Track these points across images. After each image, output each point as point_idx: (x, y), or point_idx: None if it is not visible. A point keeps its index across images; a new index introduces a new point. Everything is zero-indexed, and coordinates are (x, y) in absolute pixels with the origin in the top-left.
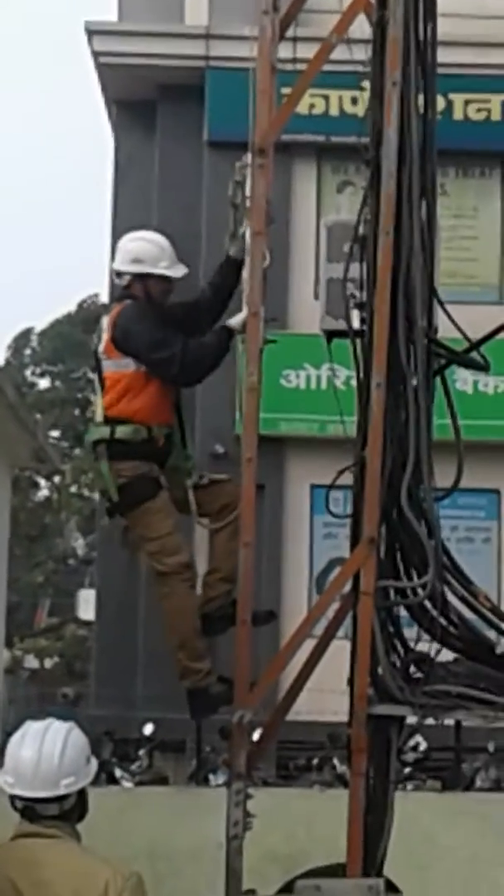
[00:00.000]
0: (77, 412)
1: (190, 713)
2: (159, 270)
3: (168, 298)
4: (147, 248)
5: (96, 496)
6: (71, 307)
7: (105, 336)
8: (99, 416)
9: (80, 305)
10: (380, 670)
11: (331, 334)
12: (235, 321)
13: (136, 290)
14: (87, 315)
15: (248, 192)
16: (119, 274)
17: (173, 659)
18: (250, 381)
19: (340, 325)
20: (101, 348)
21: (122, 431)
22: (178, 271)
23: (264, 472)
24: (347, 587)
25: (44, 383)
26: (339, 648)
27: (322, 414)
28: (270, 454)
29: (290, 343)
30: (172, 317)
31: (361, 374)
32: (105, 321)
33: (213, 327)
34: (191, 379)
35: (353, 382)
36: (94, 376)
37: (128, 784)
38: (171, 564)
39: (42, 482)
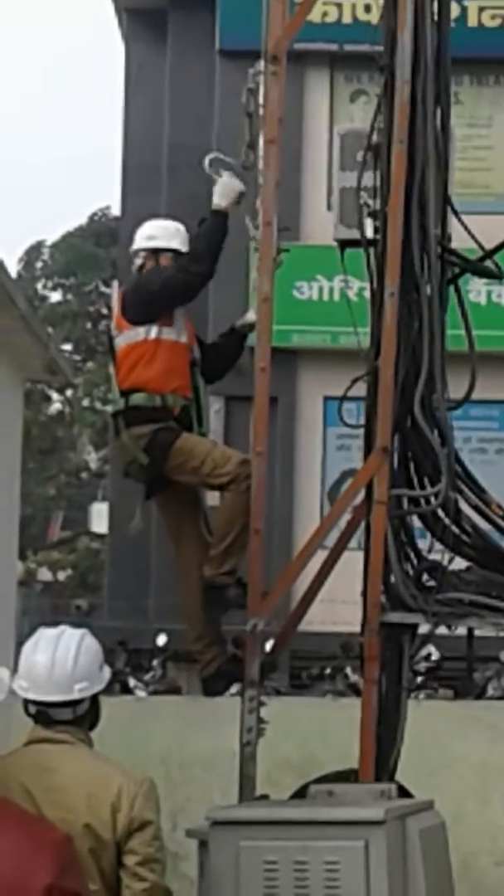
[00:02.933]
0: (89, 325)
1: (203, 604)
2: (173, 245)
3: None
4: (162, 226)
5: (109, 409)
6: (82, 220)
7: (115, 312)
8: (115, 392)
9: (92, 218)
10: (392, 579)
11: (344, 244)
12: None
13: (148, 267)
14: (98, 228)
15: (261, 100)
16: (134, 256)
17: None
18: (263, 291)
19: (354, 234)
20: (112, 325)
21: (135, 399)
22: (185, 249)
23: (277, 384)
24: (360, 497)
25: (55, 296)
26: (351, 559)
27: (334, 325)
28: (283, 366)
29: (302, 254)
30: None
31: (375, 284)
32: (116, 296)
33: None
34: (203, 269)
35: (366, 294)
36: (108, 356)
37: (141, 694)
38: (231, 468)
39: (54, 396)
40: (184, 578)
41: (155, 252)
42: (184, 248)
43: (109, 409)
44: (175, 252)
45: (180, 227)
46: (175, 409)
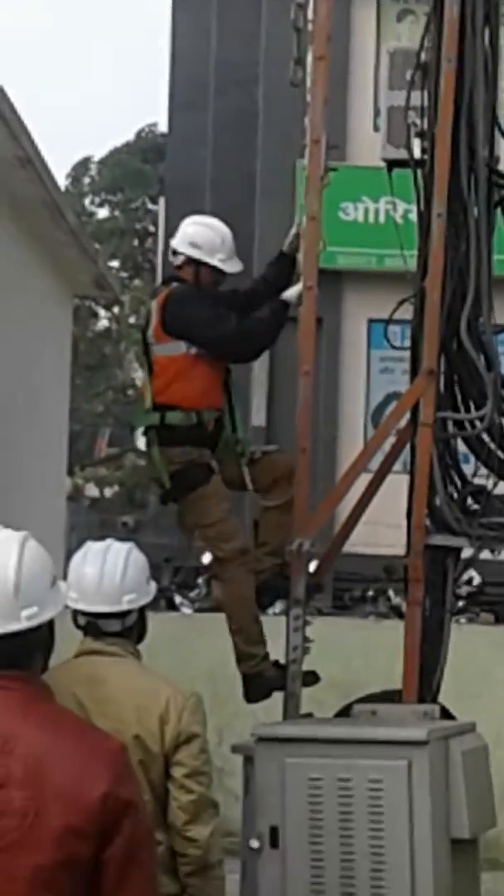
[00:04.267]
0: (136, 243)
1: (244, 696)
2: (214, 262)
3: (216, 290)
4: (207, 236)
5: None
6: (130, 136)
7: (154, 320)
8: (148, 403)
9: (139, 134)
10: (437, 502)
11: (391, 164)
12: (290, 293)
13: (186, 273)
14: (145, 144)
15: (310, 15)
16: (175, 252)
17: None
18: (310, 210)
19: (401, 154)
20: (150, 333)
21: (171, 417)
22: (233, 267)
23: (321, 305)
24: (405, 420)
25: (103, 213)
26: (395, 483)
27: (380, 248)
28: (328, 288)
29: (348, 175)
30: (222, 302)
31: (422, 206)
32: (153, 305)
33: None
34: (247, 355)
35: (412, 216)
36: (144, 358)
37: (187, 611)
38: (228, 550)
39: (101, 312)
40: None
41: (196, 261)
42: (229, 267)
43: (137, 423)
44: (215, 270)
45: (226, 236)
46: (209, 424)
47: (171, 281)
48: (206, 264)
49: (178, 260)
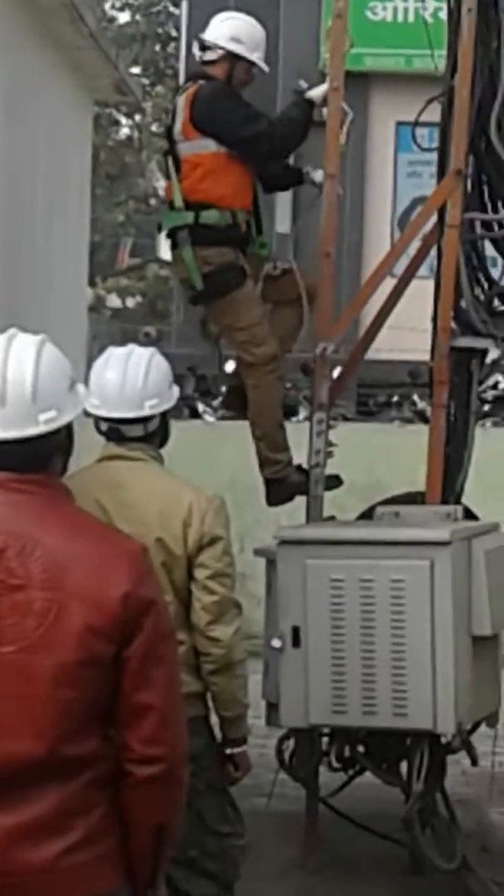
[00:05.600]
0: (158, 48)
1: (266, 499)
2: (253, 58)
3: (242, 91)
4: (249, 31)
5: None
6: None
7: (182, 116)
8: (178, 202)
9: None
10: (463, 304)
11: None
12: (316, 92)
13: (218, 69)
14: None
15: None
16: (204, 48)
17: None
18: (337, 7)
19: None
20: (177, 128)
21: (206, 216)
22: (266, 67)
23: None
24: (431, 223)
25: (124, 17)
26: (420, 288)
27: (409, 48)
28: (354, 91)
29: None
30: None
31: (452, 2)
32: (180, 101)
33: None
34: (280, 153)
35: (442, 14)
36: (167, 160)
37: (210, 419)
38: (259, 355)
39: (123, 120)
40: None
41: (233, 56)
42: (263, 65)
43: (165, 223)
44: (250, 64)
45: (264, 34)
46: (242, 225)
47: (197, 78)
48: (244, 60)
49: (212, 55)
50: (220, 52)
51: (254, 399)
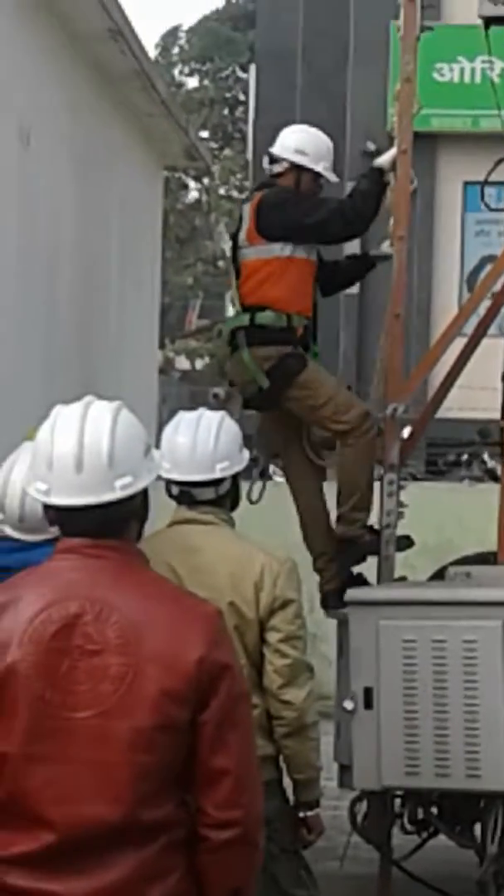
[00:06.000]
0: (226, 112)
1: (339, 560)
2: (319, 168)
3: None
4: (314, 143)
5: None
6: (219, 3)
7: (247, 223)
8: (237, 305)
9: (229, 1)
10: None
11: (489, 21)
12: (384, 159)
13: (285, 181)
14: (235, 11)
15: None
16: (273, 161)
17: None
18: (406, 70)
19: (500, 10)
20: (242, 236)
21: (262, 318)
22: (333, 177)
23: (416, 169)
24: (501, 282)
25: (192, 83)
26: (490, 346)
27: (476, 108)
28: (422, 151)
29: (443, 34)
30: None
31: None
32: (246, 208)
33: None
34: (358, 228)
35: None
36: (230, 267)
37: (280, 479)
38: (352, 418)
39: (191, 184)
40: (297, 495)
41: (298, 168)
42: (328, 175)
43: (225, 327)
44: (316, 175)
45: (330, 145)
46: (299, 330)
47: (264, 187)
48: (310, 171)
49: (279, 167)
50: (287, 164)
51: (351, 459)
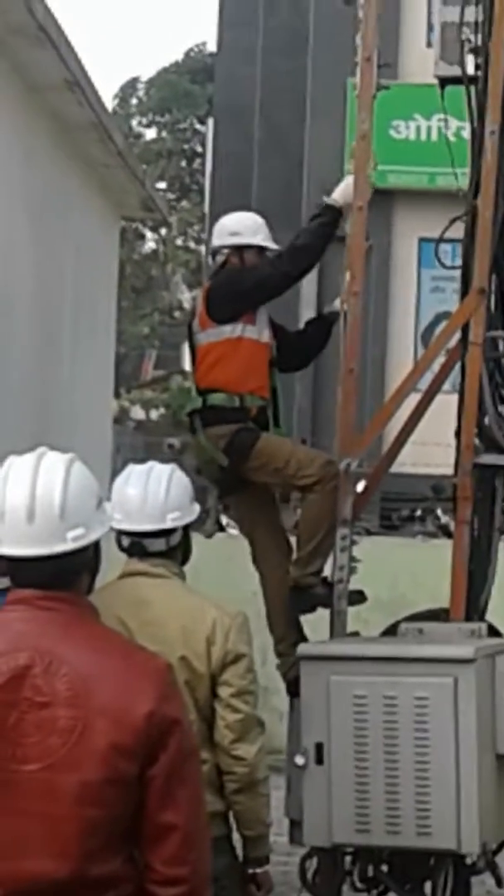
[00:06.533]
0: (184, 164)
1: (289, 605)
2: (256, 241)
3: None
4: (244, 221)
5: (202, 249)
6: (178, 56)
7: (199, 308)
8: (193, 389)
9: (188, 54)
10: (486, 421)
11: (444, 81)
12: (336, 195)
13: (231, 265)
14: (194, 64)
15: None
16: (215, 253)
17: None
18: (362, 129)
19: (455, 70)
20: (195, 323)
21: (213, 399)
22: (274, 245)
23: (372, 225)
24: (455, 340)
25: (150, 134)
26: (444, 403)
27: (432, 166)
28: (379, 207)
29: (399, 93)
30: None
31: (475, 123)
32: (198, 298)
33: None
34: (302, 268)
35: (465, 133)
36: (191, 352)
37: (234, 532)
38: (316, 470)
39: (148, 234)
40: (264, 578)
41: (239, 249)
42: (269, 244)
43: (185, 412)
44: (259, 248)
45: (260, 220)
46: (252, 410)
47: (214, 276)
48: (249, 246)
49: (221, 256)
50: (226, 250)
51: (316, 506)
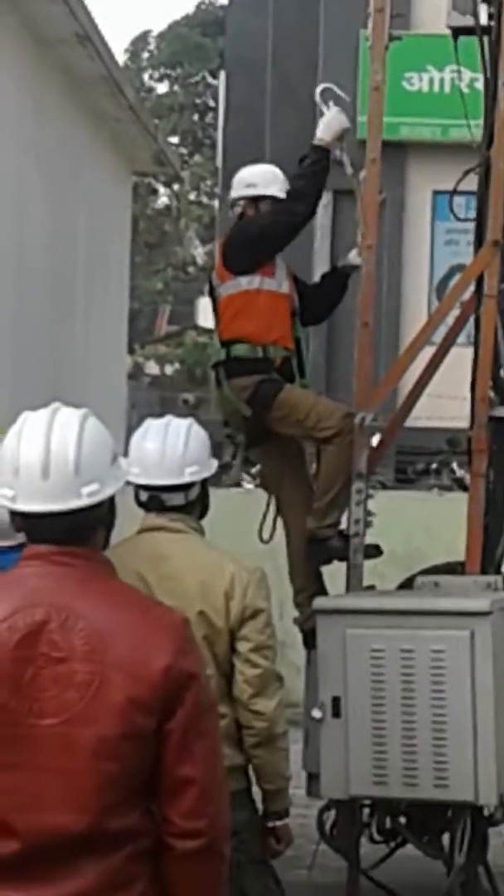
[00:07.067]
0: (196, 118)
1: (305, 556)
2: (271, 192)
3: None
4: (259, 173)
5: (216, 204)
6: (189, 9)
7: (217, 261)
8: (216, 341)
9: (199, 7)
10: (502, 373)
11: (457, 31)
12: (320, 130)
13: (248, 215)
14: (205, 17)
15: None
16: (233, 205)
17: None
18: (374, 80)
19: (468, 21)
20: (214, 275)
21: (237, 350)
22: (284, 195)
23: (385, 178)
24: (469, 292)
25: (162, 88)
26: (459, 356)
27: (445, 118)
28: (391, 160)
29: (412, 44)
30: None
31: (488, 73)
32: (217, 245)
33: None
34: (301, 210)
35: (478, 85)
36: (213, 304)
37: (249, 486)
38: (335, 422)
39: (161, 189)
40: (288, 529)
41: (255, 200)
42: (283, 195)
43: (210, 364)
44: (274, 199)
45: (278, 172)
46: (276, 361)
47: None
48: (264, 197)
49: (238, 208)
50: (242, 201)
51: (333, 458)
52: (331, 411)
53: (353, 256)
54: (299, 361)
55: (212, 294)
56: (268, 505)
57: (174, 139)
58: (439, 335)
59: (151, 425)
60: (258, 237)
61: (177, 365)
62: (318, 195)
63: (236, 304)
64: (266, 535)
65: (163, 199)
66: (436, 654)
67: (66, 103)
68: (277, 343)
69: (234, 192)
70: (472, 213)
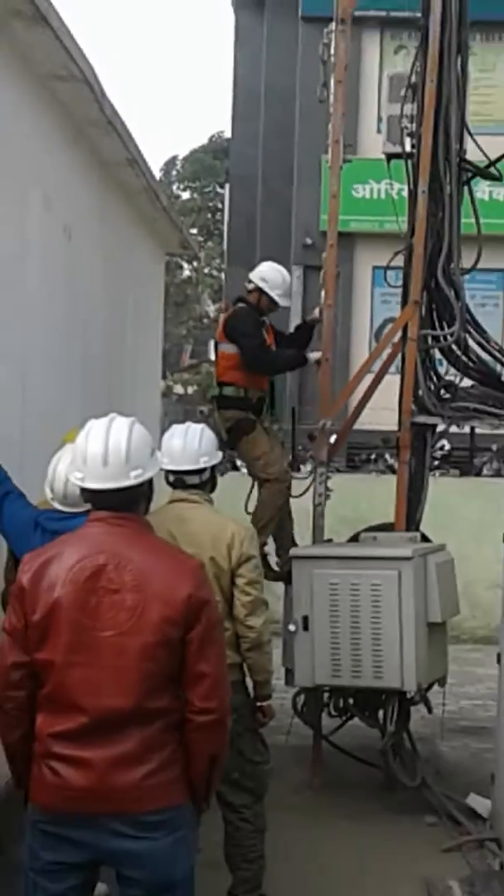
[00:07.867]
0: (209, 216)
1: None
2: (272, 294)
3: (268, 314)
4: (275, 276)
5: (222, 276)
6: (204, 140)
7: (220, 326)
8: (215, 381)
9: (210, 139)
10: (420, 392)
11: (390, 156)
12: (313, 356)
13: (252, 298)
14: (215, 146)
15: (332, 51)
16: (249, 281)
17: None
18: (332, 190)
19: (396, 149)
20: (216, 334)
21: (226, 391)
22: (285, 302)
23: (339, 257)
24: (397, 336)
25: (185, 195)
26: (390, 382)
27: (382, 215)
28: (343, 245)
29: (358, 165)
30: (267, 333)
31: (411, 185)
32: (221, 316)
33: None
34: (260, 369)
35: (404, 193)
36: (214, 352)
37: (243, 472)
38: (274, 471)
39: (184, 265)
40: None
41: (260, 290)
42: (282, 302)
43: (210, 394)
44: (272, 300)
45: (287, 279)
46: (254, 399)
47: (238, 301)
48: (268, 294)
49: (250, 287)
50: (253, 285)
51: (265, 499)
52: (273, 463)
53: (317, 313)
54: (271, 398)
55: (214, 344)
56: (251, 486)
57: (194, 230)
58: (377, 366)
59: (176, 428)
60: (243, 349)
61: (195, 387)
62: (286, 370)
63: (229, 360)
64: (251, 508)
65: (186, 272)
66: (374, 586)
67: (120, 207)
68: (254, 387)
69: (253, 277)
70: (400, 282)
